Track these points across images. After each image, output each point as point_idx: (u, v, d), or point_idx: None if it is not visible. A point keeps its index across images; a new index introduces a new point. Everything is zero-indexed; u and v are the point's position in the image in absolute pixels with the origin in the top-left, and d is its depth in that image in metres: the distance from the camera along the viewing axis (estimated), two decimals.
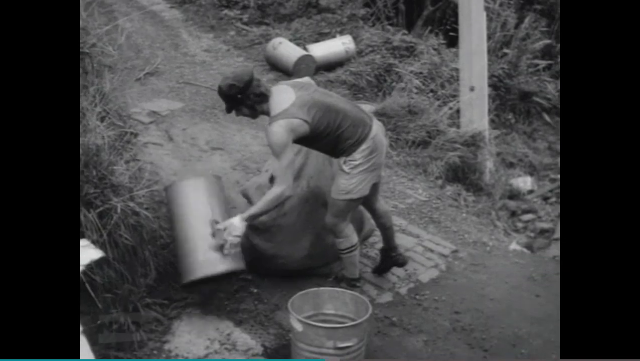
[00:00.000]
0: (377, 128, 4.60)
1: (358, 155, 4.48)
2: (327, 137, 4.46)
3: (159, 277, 4.75)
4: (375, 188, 4.82)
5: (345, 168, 4.52)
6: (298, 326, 3.91)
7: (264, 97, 4.38)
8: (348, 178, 4.52)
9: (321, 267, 5.14)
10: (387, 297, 5.02)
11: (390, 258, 5.21)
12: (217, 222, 4.42)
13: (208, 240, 4.40)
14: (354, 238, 4.81)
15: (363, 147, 4.48)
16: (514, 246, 6.32)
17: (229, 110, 4.51)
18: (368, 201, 4.88)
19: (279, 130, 4.30)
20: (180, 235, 4.53)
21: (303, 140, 4.47)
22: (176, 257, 4.60)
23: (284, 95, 4.42)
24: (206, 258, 4.39)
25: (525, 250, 6.47)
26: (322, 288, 4.36)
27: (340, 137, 4.46)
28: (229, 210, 4.74)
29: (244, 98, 4.37)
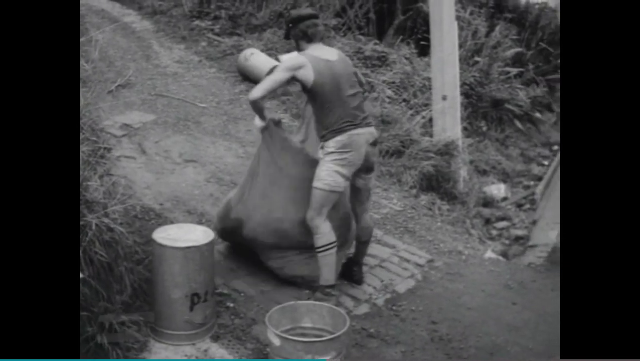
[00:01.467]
0: (363, 131, 4.82)
1: (332, 144, 4.74)
2: (320, 105, 4.79)
3: (135, 293, 4.69)
4: (360, 194, 5.06)
5: (320, 153, 4.83)
6: (276, 341, 3.89)
7: (306, 38, 4.84)
8: (320, 165, 4.81)
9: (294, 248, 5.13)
10: (364, 308, 5.02)
11: (350, 271, 5.28)
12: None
13: None
14: (331, 237, 4.85)
15: (339, 138, 4.72)
16: (489, 254, 6.37)
17: (285, 36, 5.04)
18: (353, 206, 5.13)
19: (293, 56, 5.13)
20: None
21: (305, 89, 4.82)
22: None
23: (321, 50, 4.87)
24: None
25: (500, 257, 6.51)
26: (299, 302, 4.36)
27: (328, 114, 4.76)
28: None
29: (292, 29, 4.88)
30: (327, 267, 4.89)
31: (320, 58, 4.78)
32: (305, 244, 5.00)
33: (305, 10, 5.18)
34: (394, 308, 5.04)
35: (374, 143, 4.92)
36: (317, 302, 4.41)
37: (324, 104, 4.76)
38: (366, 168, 4.94)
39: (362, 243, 5.22)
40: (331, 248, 4.84)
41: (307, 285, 5.07)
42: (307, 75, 4.69)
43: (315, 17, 4.95)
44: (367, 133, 4.84)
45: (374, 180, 5.18)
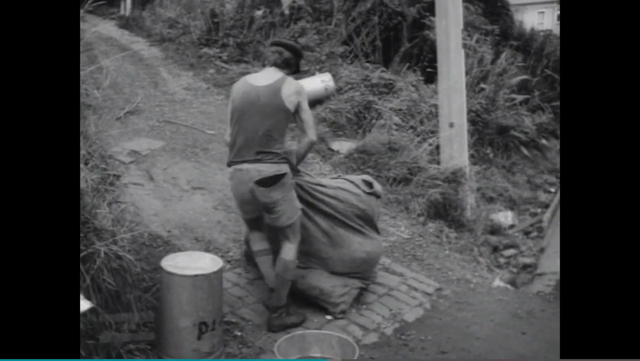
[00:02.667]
0: (250, 167, 4.59)
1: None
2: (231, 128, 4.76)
3: (142, 322, 4.67)
4: (271, 232, 4.96)
5: None
6: None
7: (262, 62, 5.05)
8: None
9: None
10: (372, 338, 4.98)
11: (269, 319, 4.95)
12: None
13: None
14: (252, 246, 5.08)
15: (230, 168, 4.76)
16: (497, 282, 6.34)
17: None
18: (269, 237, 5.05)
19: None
20: None
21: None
22: None
23: (259, 74, 4.88)
24: None
25: (509, 286, 6.48)
26: (308, 331, 4.33)
27: (231, 138, 4.74)
28: None
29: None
30: (266, 273, 5.02)
31: (247, 81, 4.75)
32: (326, 262, 5.18)
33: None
34: (402, 337, 5.00)
35: (261, 183, 4.59)
36: (326, 331, 4.38)
37: (231, 127, 4.72)
38: (264, 207, 4.71)
39: (275, 276, 4.96)
40: (256, 256, 5.08)
41: (322, 301, 5.13)
42: (231, 95, 4.80)
43: (272, 44, 5.00)
44: (253, 170, 4.57)
45: (285, 221, 4.73)
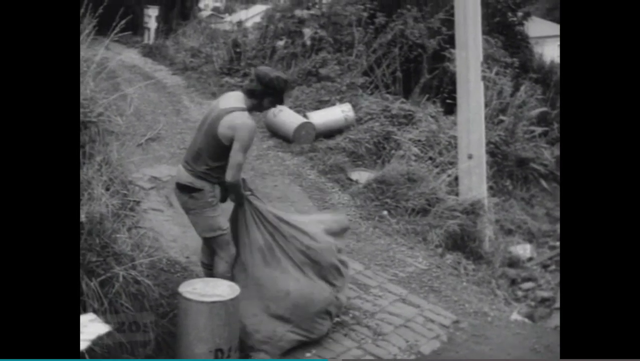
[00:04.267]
0: (180, 170, 4.85)
1: None
2: None
3: (158, 347, 4.69)
4: None
5: None
6: None
7: None
8: None
9: None
10: None
11: None
12: None
13: None
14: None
15: None
16: (515, 316, 6.29)
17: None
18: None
19: None
20: None
21: None
22: None
23: (226, 97, 4.94)
24: None
25: (526, 320, 6.42)
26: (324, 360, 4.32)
27: None
28: None
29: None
30: None
31: (220, 97, 4.97)
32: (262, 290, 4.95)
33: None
34: None
35: (177, 185, 4.87)
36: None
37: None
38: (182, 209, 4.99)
39: None
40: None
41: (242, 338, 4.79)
42: None
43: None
44: (180, 173, 4.84)
45: (200, 232, 4.95)
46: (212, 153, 4.70)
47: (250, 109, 4.77)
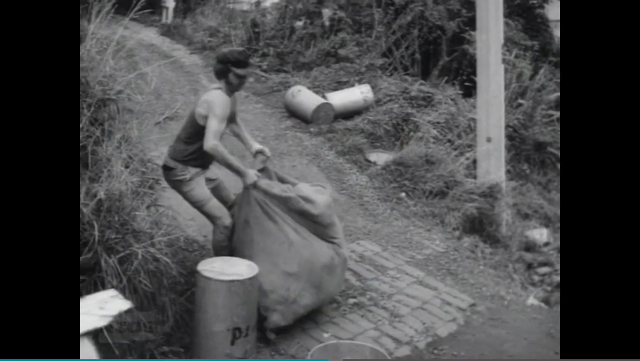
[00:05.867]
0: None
1: None
2: None
3: (176, 325, 4.72)
4: None
5: None
6: None
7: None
8: None
9: None
10: (405, 351, 4.96)
11: None
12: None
13: None
14: None
15: None
16: (531, 300, 6.26)
17: None
18: None
19: None
20: None
21: None
22: None
23: None
24: None
25: (542, 304, 6.39)
26: (341, 342, 4.32)
27: None
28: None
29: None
30: None
31: None
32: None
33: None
34: (435, 351, 4.98)
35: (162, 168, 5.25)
36: (359, 342, 4.37)
37: None
38: None
39: None
40: None
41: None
42: None
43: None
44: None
45: (189, 205, 5.29)
46: (188, 135, 5.05)
47: (226, 90, 4.99)
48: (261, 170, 5.16)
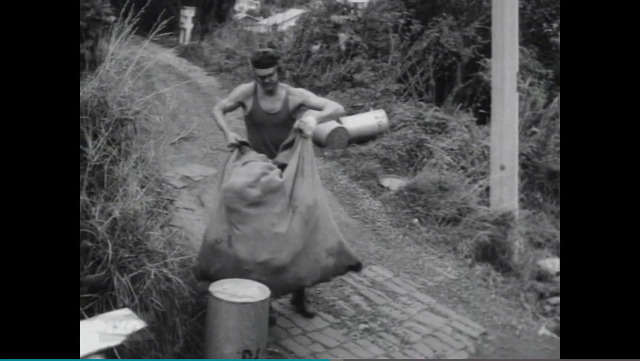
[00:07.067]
0: None
1: None
2: None
3: (187, 345, 4.72)
4: None
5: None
6: None
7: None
8: None
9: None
10: None
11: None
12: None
13: None
14: None
15: None
16: (543, 330, 6.20)
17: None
18: None
19: None
20: None
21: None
22: None
23: None
24: None
25: (554, 335, 6.33)
26: None
27: None
28: None
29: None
30: None
31: None
32: None
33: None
34: None
35: None
36: None
37: None
38: None
39: None
40: None
41: None
42: None
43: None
44: None
45: None
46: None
47: (258, 87, 5.29)
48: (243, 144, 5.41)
